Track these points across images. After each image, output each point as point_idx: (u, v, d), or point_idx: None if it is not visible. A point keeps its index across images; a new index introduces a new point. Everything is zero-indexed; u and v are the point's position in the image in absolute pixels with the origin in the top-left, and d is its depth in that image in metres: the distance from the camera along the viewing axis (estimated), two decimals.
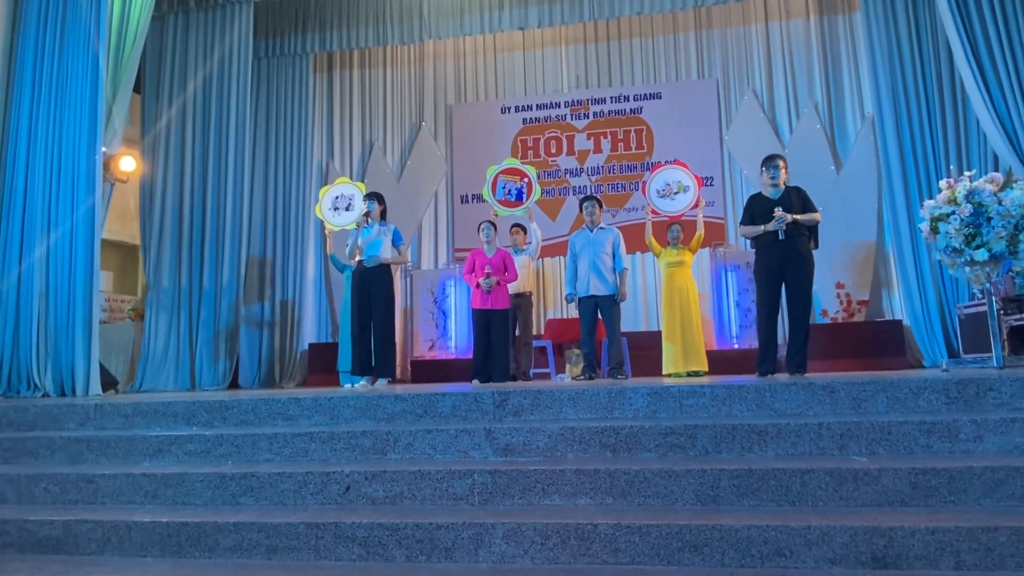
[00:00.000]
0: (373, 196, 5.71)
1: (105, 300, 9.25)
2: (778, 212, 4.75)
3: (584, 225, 6.01)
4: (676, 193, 6.41)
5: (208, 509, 3.10)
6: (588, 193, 8.32)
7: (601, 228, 5.94)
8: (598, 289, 5.74)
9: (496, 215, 6.52)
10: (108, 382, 6.25)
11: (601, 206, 6.09)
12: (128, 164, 6.98)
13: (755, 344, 5.79)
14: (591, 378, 5.62)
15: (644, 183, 6.65)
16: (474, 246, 6.28)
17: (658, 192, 6.42)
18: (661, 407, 3.44)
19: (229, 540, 2.85)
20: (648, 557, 2.55)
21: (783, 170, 5.00)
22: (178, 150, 7.93)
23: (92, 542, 2.95)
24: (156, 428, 3.84)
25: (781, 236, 4.78)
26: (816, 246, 4.99)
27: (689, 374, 6.05)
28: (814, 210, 4.91)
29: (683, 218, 6.46)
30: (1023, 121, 6.36)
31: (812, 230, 4.95)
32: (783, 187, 4.98)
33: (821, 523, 2.49)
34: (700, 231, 6.28)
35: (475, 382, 5.71)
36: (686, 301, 6.17)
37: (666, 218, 6.47)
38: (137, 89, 7.96)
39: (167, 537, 2.89)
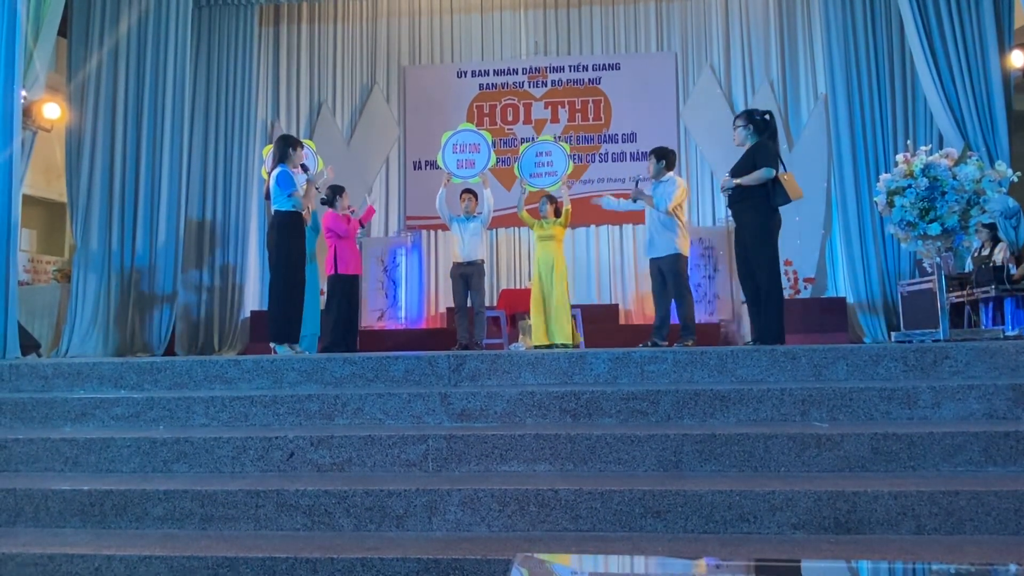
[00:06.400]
0: (290, 141, 5.02)
1: (28, 260, 8.65)
2: (724, 179, 4.64)
3: None
4: (546, 165, 6.27)
5: (136, 476, 2.85)
6: None
7: None
8: None
9: (448, 180, 6.30)
10: (29, 345, 5.81)
11: None
12: (52, 111, 6.47)
13: (706, 319, 5.79)
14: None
15: (517, 160, 6.41)
16: (429, 213, 6.04)
17: (531, 176, 6.25)
18: (622, 372, 3.35)
19: (159, 509, 2.63)
20: (610, 524, 2.46)
21: (735, 131, 4.71)
22: (109, 101, 7.37)
23: (2, 512, 2.68)
24: (79, 391, 3.54)
25: (727, 203, 4.71)
26: (782, 202, 4.45)
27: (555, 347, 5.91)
28: (762, 166, 4.40)
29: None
30: (968, 100, 6.51)
31: (774, 186, 4.41)
32: (745, 147, 4.66)
33: (784, 488, 2.44)
34: (567, 206, 6.02)
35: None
36: (550, 275, 5.95)
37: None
38: (64, 34, 7.37)
39: (89, 506, 2.65)
